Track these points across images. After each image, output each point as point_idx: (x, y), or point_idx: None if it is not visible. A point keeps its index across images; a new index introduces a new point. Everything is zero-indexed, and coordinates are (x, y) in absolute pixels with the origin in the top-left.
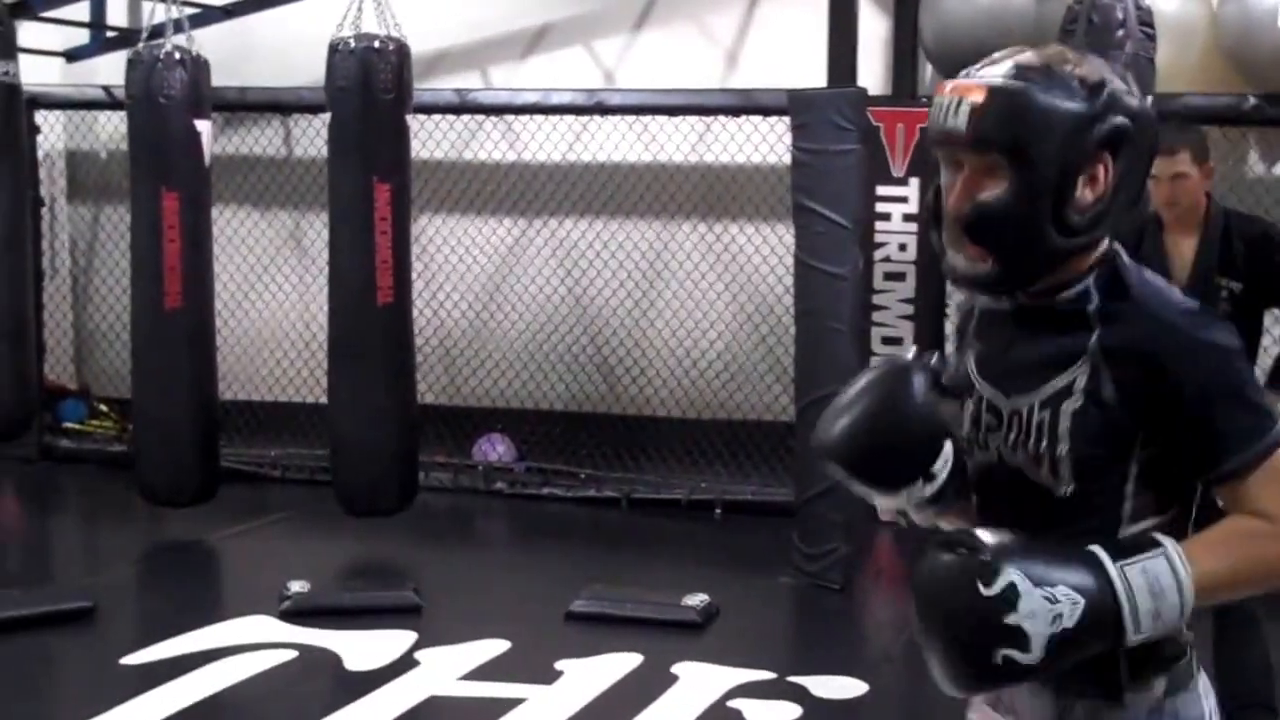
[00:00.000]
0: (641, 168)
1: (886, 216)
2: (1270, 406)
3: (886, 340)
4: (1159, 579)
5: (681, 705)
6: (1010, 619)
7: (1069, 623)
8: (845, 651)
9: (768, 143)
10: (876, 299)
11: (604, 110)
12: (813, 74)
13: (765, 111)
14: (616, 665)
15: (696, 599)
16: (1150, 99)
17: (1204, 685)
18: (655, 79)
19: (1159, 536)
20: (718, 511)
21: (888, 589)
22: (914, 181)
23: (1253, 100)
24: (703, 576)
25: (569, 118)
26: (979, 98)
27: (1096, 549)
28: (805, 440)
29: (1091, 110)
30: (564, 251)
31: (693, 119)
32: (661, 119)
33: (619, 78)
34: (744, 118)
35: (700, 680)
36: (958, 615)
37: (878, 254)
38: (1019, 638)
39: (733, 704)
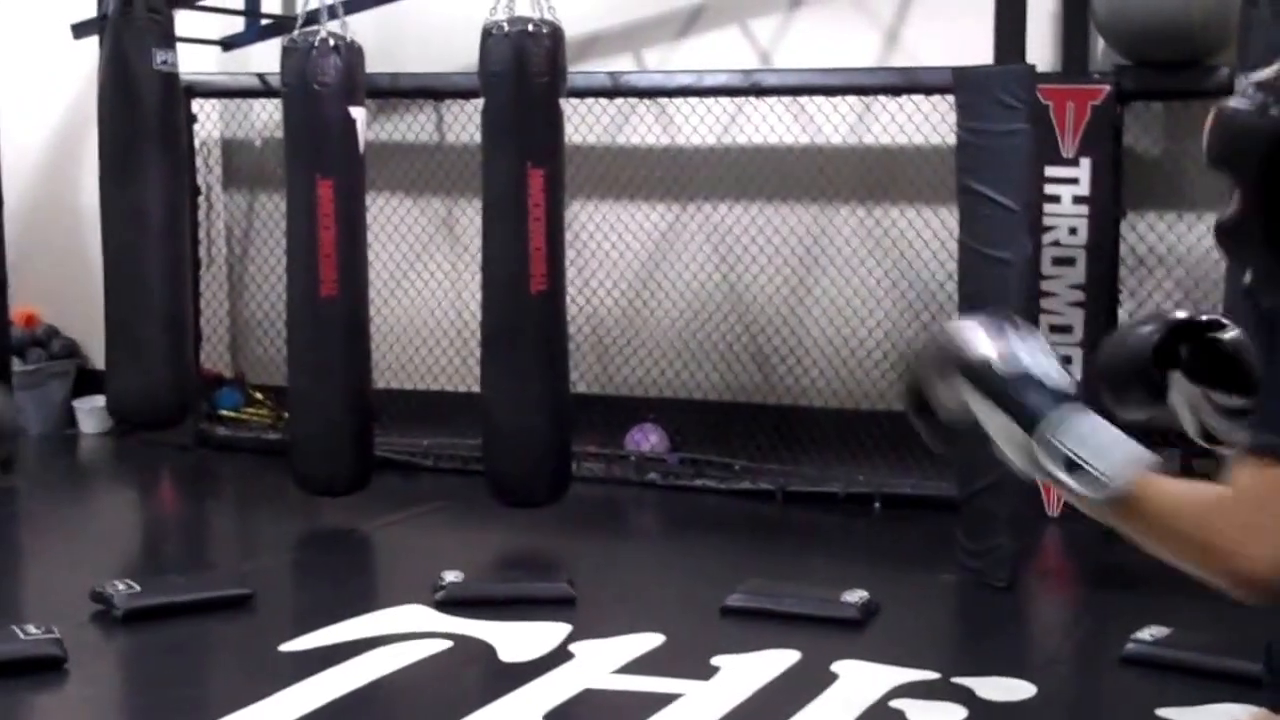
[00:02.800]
0: (798, 150)
1: (1056, 199)
2: None
3: (1055, 328)
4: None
5: (841, 704)
6: None
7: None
8: (1012, 652)
9: (930, 123)
10: (1045, 285)
11: (760, 91)
12: (978, 51)
13: (928, 90)
14: (774, 662)
15: (856, 595)
16: None
17: None
18: (813, 59)
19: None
20: (877, 505)
21: (1055, 587)
22: (1085, 162)
23: None
24: (861, 572)
25: (724, 100)
26: (1210, 119)
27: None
28: (969, 432)
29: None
30: (718, 237)
31: (852, 99)
32: (819, 100)
33: (775, 58)
34: (905, 97)
35: (860, 679)
36: None
37: (1046, 238)
38: None
39: (895, 704)
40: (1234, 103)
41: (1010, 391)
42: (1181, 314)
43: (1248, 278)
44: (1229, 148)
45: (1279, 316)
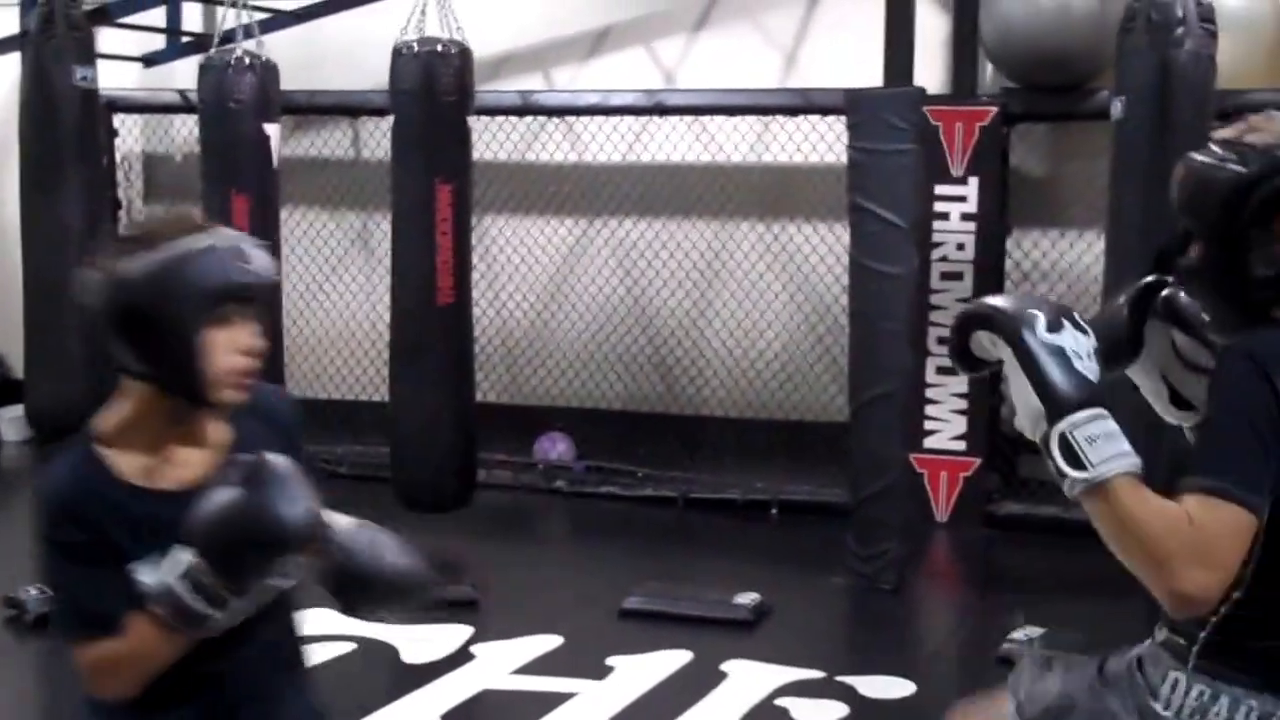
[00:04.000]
0: (700, 168)
1: (945, 216)
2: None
3: (943, 340)
4: (1101, 437)
5: (730, 702)
6: None
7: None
8: (895, 652)
9: (825, 142)
10: (933, 299)
11: (664, 111)
12: (871, 73)
13: (823, 111)
14: (667, 662)
15: (748, 598)
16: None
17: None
18: (714, 79)
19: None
20: (773, 511)
21: (940, 590)
22: (972, 181)
23: None
24: (756, 576)
25: (629, 118)
26: (1179, 170)
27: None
28: (861, 440)
29: (1254, 175)
30: (623, 251)
31: (751, 119)
32: (720, 119)
33: (679, 78)
34: (802, 117)
35: (749, 678)
36: None
37: (935, 254)
38: None
39: (780, 702)
40: (1199, 157)
41: (1042, 366)
42: (1151, 277)
43: (1205, 317)
44: (1192, 198)
45: (1224, 355)
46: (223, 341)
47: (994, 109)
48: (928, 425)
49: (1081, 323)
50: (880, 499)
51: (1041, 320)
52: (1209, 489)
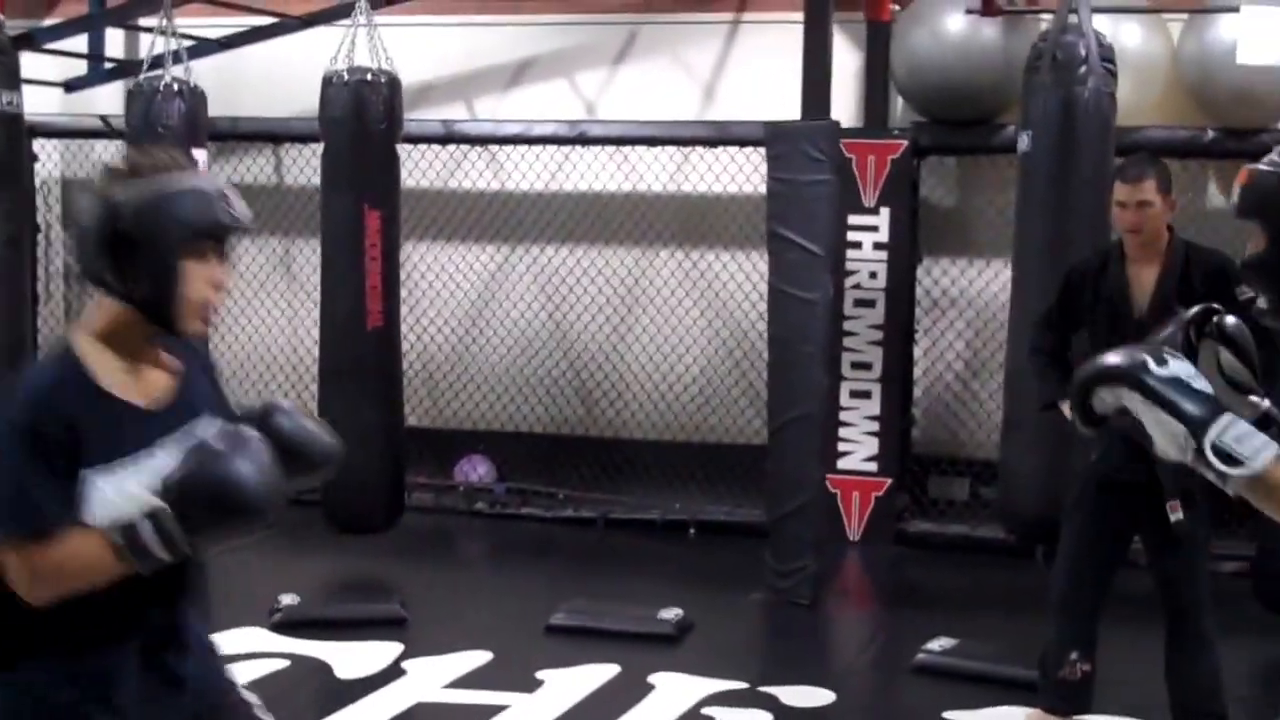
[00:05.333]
0: (621, 197)
1: (858, 245)
2: None
3: (856, 365)
4: (1244, 435)
5: (657, 713)
6: None
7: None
8: (814, 663)
9: (744, 173)
10: (847, 325)
11: (585, 141)
12: (787, 107)
13: (741, 142)
14: (595, 675)
15: (671, 613)
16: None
17: None
18: (635, 111)
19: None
20: (692, 531)
21: (855, 604)
22: (884, 211)
23: (1211, 133)
24: (678, 593)
25: (551, 148)
26: (1243, 179)
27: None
28: (778, 461)
29: None
30: (545, 278)
31: (671, 149)
32: (641, 149)
33: (600, 109)
34: (720, 148)
35: (675, 689)
36: None
37: (849, 281)
38: None
39: (706, 711)
40: (1264, 166)
41: (1171, 398)
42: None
43: (1263, 303)
44: (1258, 201)
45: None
46: (199, 274)
47: (905, 142)
48: (841, 447)
49: (1175, 354)
50: (796, 517)
51: (1151, 361)
52: None
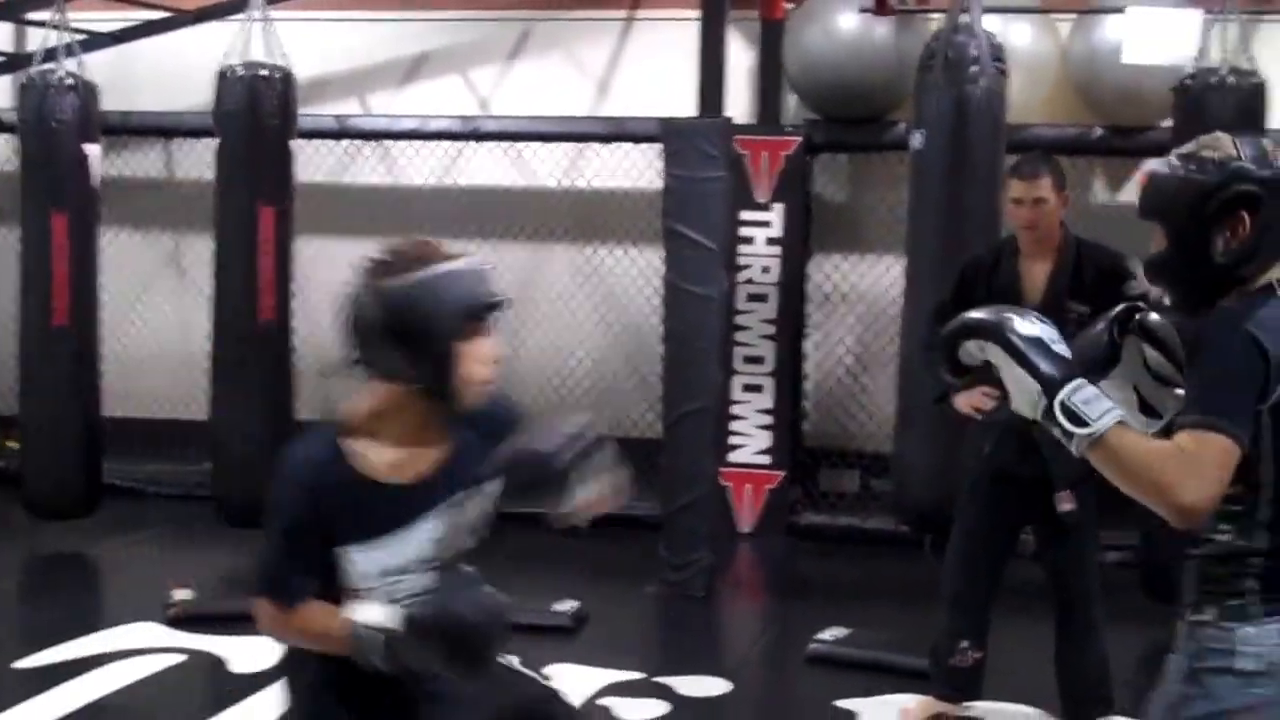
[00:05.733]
0: (516, 193)
1: (751, 240)
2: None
3: (749, 359)
4: (1091, 399)
5: None
6: None
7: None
8: (709, 653)
9: (638, 169)
10: (740, 319)
11: (479, 136)
12: (682, 103)
13: (636, 139)
14: None
15: (567, 605)
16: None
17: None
18: (530, 107)
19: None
20: (587, 525)
21: (748, 595)
22: (777, 207)
23: (1099, 131)
24: (573, 586)
25: (445, 143)
26: (1143, 182)
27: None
28: (673, 455)
29: (1213, 183)
30: None
31: (566, 145)
32: (535, 145)
33: (494, 105)
34: (615, 145)
35: (573, 680)
36: None
37: (741, 276)
38: None
39: (603, 702)
40: (1163, 169)
41: (1029, 355)
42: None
43: (1167, 300)
44: (1157, 202)
45: (1197, 330)
46: (473, 353)
47: (797, 139)
48: (733, 440)
49: (1042, 318)
50: (691, 511)
51: (1016, 320)
52: (1197, 424)
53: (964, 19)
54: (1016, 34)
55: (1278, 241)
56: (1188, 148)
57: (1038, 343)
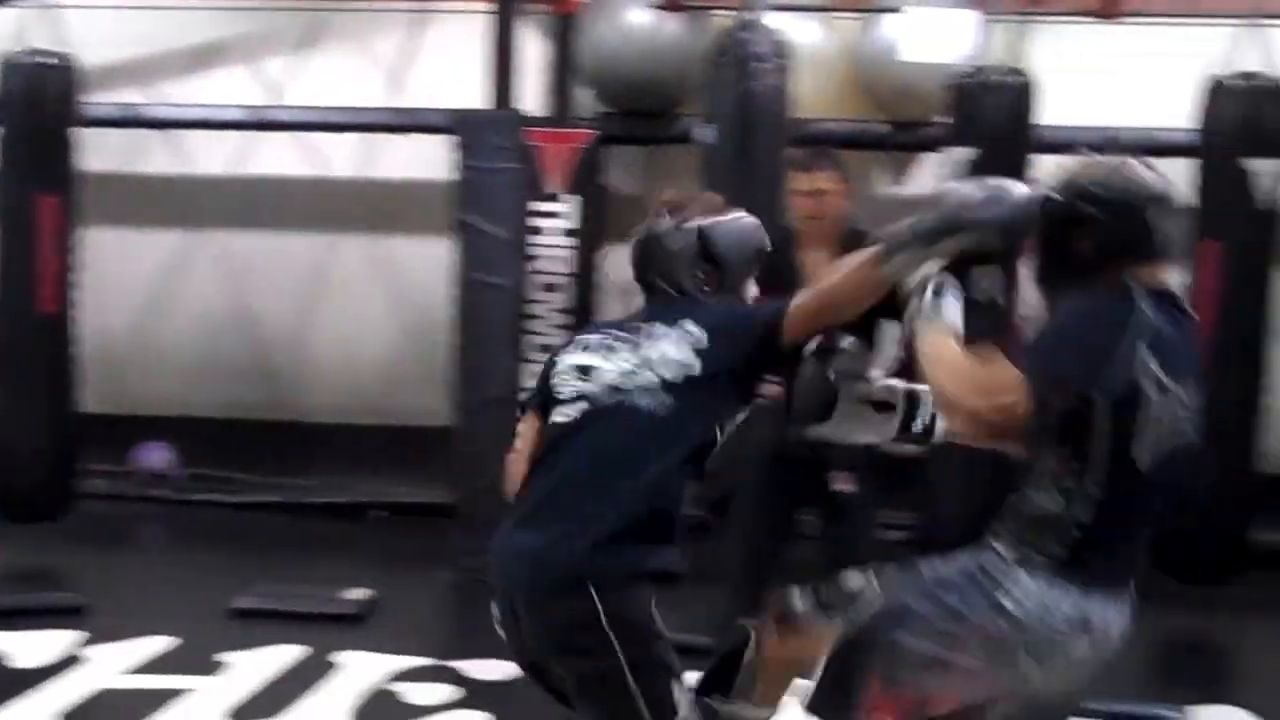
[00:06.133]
0: (307, 183)
1: (543, 231)
2: None
3: (544, 348)
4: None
5: (343, 691)
6: None
7: None
8: (500, 638)
9: (431, 160)
10: (534, 309)
11: (270, 126)
12: (474, 95)
13: (428, 130)
14: (280, 656)
15: (357, 593)
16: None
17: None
18: (321, 97)
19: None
20: (380, 513)
21: None
22: (570, 199)
23: (880, 127)
24: (366, 575)
25: (236, 133)
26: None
27: None
28: (464, 443)
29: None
30: (228, 262)
31: (358, 136)
32: (327, 135)
33: (286, 95)
34: (408, 135)
35: (361, 668)
36: None
37: (535, 266)
38: None
39: (392, 687)
40: (1023, 188)
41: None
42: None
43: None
44: (1025, 220)
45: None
46: (751, 285)
47: (590, 132)
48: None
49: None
50: (482, 498)
51: (973, 188)
52: (1019, 358)
53: (750, 16)
54: (803, 32)
55: (1124, 249)
56: (1058, 169)
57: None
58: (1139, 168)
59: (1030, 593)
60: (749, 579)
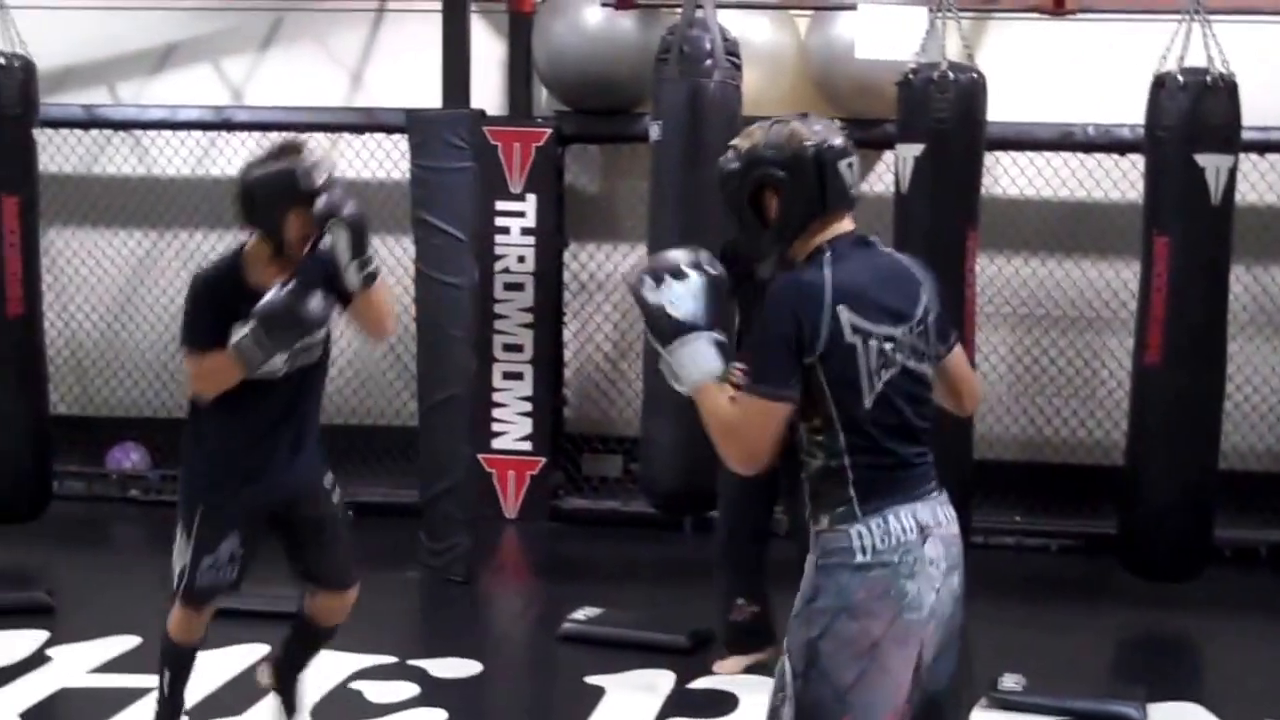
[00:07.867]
0: None
1: (506, 230)
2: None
3: (508, 347)
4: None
5: (306, 688)
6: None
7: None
8: (464, 636)
9: (391, 159)
10: (498, 308)
11: (231, 126)
12: (433, 95)
13: (387, 129)
14: (243, 655)
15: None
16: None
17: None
18: (282, 97)
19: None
20: (349, 513)
21: (509, 579)
22: (531, 198)
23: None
24: None
25: (197, 133)
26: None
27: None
28: (429, 442)
29: (740, 168)
30: (194, 263)
31: (317, 136)
32: (287, 135)
33: (247, 95)
34: (367, 135)
35: (324, 665)
36: None
37: (498, 265)
38: None
39: (354, 685)
40: (722, 160)
41: (652, 318)
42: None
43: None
44: (720, 188)
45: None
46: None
47: (548, 131)
48: (495, 427)
49: (686, 270)
50: (449, 497)
51: (648, 280)
52: (747, 389)
53: (699, 14)
54: (755, 29)
55: (811, 212)
56: (737, 138)
57: (658, 309)
58: (811, 123)
59: (864, 535)
60: (736, 561)
